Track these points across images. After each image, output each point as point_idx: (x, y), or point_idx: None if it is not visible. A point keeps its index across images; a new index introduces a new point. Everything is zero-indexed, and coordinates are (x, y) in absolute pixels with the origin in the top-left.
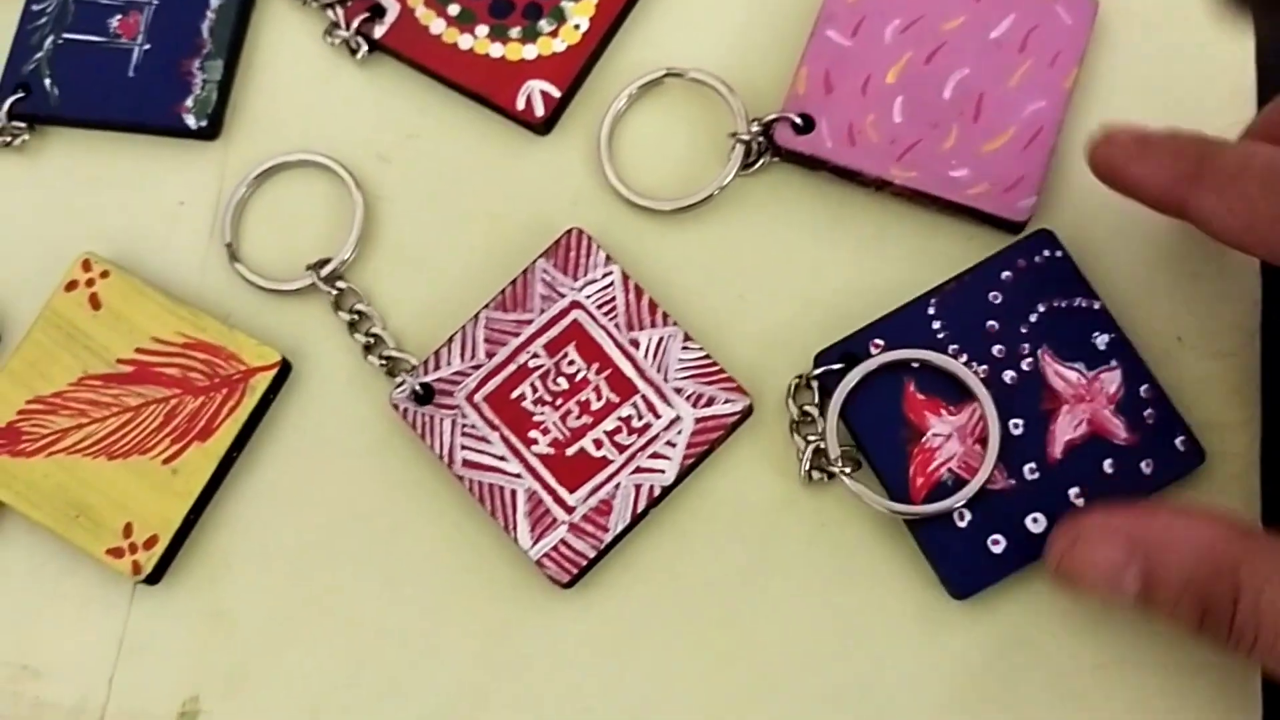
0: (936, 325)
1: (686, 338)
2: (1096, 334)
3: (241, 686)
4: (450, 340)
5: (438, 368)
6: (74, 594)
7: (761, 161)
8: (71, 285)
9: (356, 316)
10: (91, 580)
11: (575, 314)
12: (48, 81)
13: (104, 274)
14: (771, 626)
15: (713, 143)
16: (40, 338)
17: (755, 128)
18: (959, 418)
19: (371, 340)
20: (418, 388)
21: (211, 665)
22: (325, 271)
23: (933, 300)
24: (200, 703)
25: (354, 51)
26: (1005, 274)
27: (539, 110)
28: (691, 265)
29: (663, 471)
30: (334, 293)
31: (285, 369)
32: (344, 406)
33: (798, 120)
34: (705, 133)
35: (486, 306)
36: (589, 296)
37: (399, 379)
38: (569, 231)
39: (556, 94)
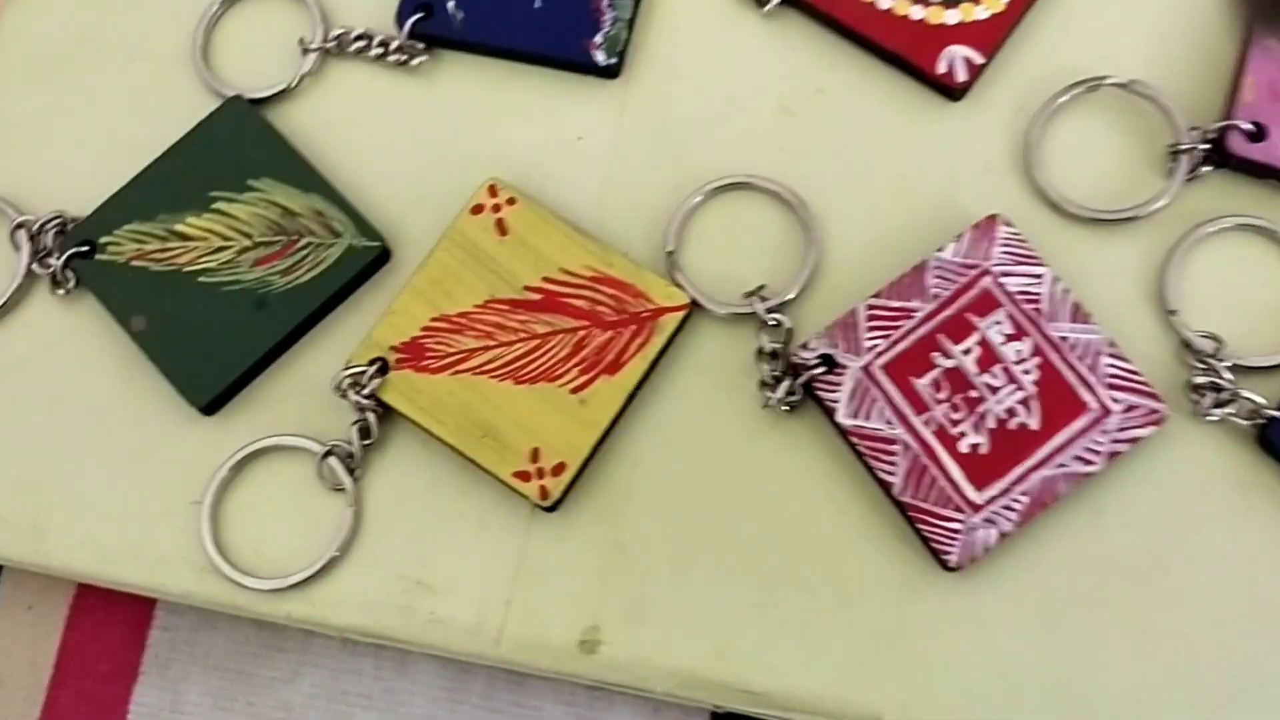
0: None
1: (1110, 344)
2: None
3: (643, 620)
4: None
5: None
6: (470, 514)
7: (1197, 172)
8: (478, 209)
9: None
10: (486, 502)
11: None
12: (451, 4)
13: (510, 200)
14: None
15: (1139, 150)
16: (445, 258)
17: (1196, 136)
18: None
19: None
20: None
21: (611, 596)
22: None
23: None
24: (601, 633)
25: (761, 3)
26: None
27: (960, 76)
28: (1113, 275)
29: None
30: None
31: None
32: (730, 351)
33: (1249, 128)
34: (1130, 140)
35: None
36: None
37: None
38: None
39: (980, 60)
